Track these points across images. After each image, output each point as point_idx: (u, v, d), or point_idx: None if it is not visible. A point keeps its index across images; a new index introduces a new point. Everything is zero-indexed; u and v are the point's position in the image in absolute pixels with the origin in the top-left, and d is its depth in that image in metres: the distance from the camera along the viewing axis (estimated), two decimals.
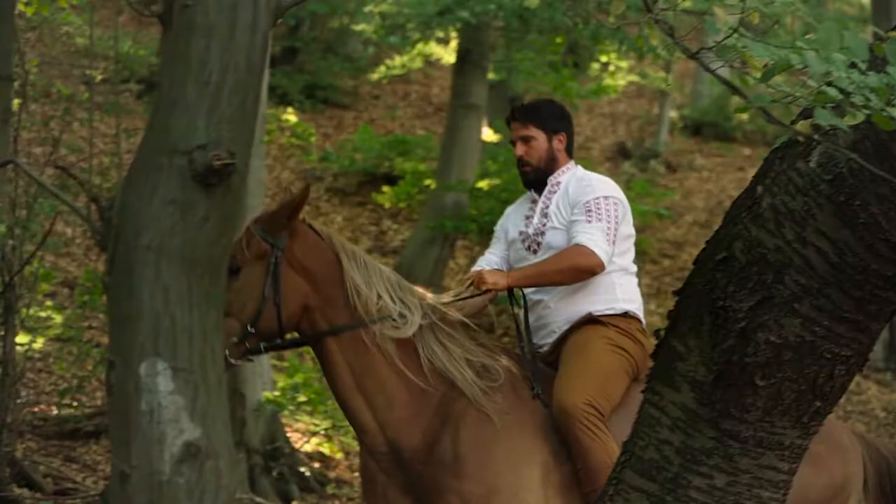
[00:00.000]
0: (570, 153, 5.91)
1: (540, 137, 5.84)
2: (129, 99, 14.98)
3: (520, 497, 5.37)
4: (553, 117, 5.87)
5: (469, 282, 5.57)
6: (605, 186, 5.69)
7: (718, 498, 3.55)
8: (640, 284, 5.79)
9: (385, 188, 16.42)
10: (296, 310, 5.23)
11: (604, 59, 16.88)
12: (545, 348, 5.73)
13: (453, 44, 16.14)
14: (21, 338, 9.37)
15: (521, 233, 5.88)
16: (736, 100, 4.76)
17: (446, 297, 5.64)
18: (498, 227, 6.05)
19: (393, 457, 5.50)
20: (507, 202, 6.62)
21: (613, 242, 5.53)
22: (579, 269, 5.47)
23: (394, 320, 5.33)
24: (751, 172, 4.30)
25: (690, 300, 3.55)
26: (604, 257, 5.47)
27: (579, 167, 5.90)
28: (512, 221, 6.00)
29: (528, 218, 5.88)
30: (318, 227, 5.48)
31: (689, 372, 3.53)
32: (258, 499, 9.66)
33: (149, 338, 3.75)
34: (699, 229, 17.04)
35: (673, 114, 21.00)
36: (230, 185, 3.76)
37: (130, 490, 3.79)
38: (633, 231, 5.79)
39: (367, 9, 16.23)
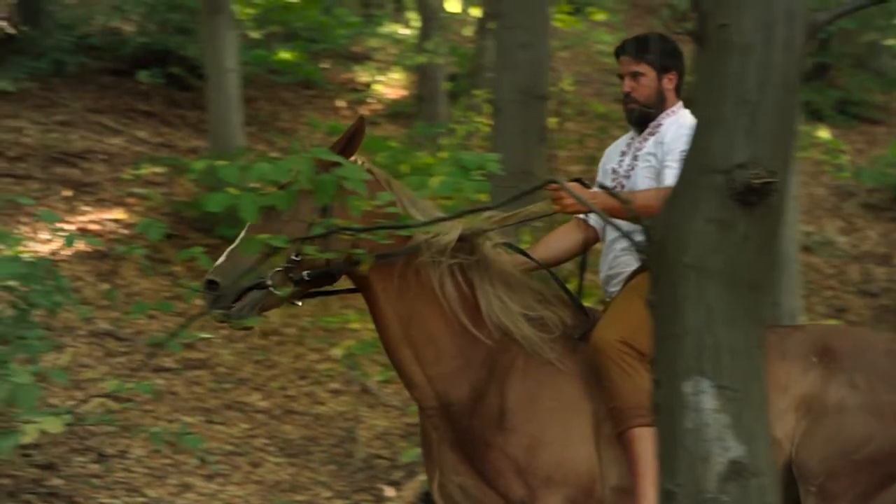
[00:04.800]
0: (678, 93, 5.64)
1: (650, 75, 5.60)
2: None
3: (571, 449, 5.24)
4: (665, 54, 5.63)
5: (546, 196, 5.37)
6: None
7: None
8: None
9: None
10: (342, 246, 5.23)
11: None
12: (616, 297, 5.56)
13: None
14: None
15: (612, 170, 5.67)
16: None
17: (513, 217, 5.51)
18: (599, 166, 5.87)
19: (441, 411, 5.40)
20: None
21: None
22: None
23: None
24: None
25: None
26: None
27: (685, 111, 5.59)
28: (608, 157, 5.79)
29: (622, 154, 5.67)
30: (374, 168, 5.44)
31: None
32: None
33: (693, 356, 3.91)
34: None
35: None
36: (770, 204, 3.86)
37: None
38: None
39: None
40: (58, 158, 14.11)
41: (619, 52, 5.76)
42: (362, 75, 18.64)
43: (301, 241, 5.17)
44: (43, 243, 10.89)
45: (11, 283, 5.56)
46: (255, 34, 17.29)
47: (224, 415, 10.24)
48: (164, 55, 15.96)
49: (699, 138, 3.94)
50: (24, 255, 5.89)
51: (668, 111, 5.67)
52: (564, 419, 5.32)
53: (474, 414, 5.35)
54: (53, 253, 9.79)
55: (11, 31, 16.04)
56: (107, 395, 5.35)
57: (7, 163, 13.77)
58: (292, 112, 16.61)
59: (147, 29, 16.52)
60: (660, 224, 3.96)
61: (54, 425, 4.74)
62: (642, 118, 5.69)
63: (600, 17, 17.31)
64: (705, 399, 3.90)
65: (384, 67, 18.87)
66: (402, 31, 19.51)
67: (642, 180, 5.56)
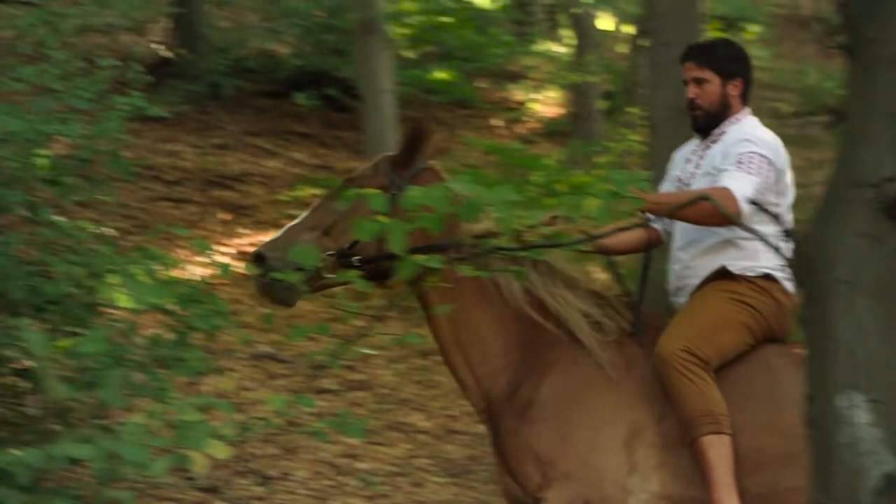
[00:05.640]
0: (745, 100, 5.63)
1: (714, 81, 5.61)
2: (817, 130, 15.19)
3: (597, 454, 5.24)
4: (730, 60, 5.66)
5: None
6: (764, 145, 5.41)
7: None
8: None
9: None
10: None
11: None
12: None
13: None
14: None
15: (677, 177, 5.64)
16: None
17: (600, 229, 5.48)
18: (667, 171, 5.88)
19: (488, 411, 5.45)
20: None
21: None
22: (715, 211, 5.13)
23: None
24: None
25: None
26: (746, 209, 5.20)
27: (750, 118, 5.63)
28: (675, 163, 5.78)
29: (687, 161, 5.67)
30: (443, 173, 5.48)
31: None
32: None
33: (845, 371, 3.97)
34: None
35: None
36: None
37: None
38: (785, 201, 5.53)
39: None
40: (215, 181, 14.48)
41: (684, 58, 5.82)
42: (517, 94, 18.80)
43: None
44: (201, 266, 11.19)
45: (170, 306, 5.76)
46: (409, 54, 17.51)
47: (386, 435, 10.41)
48: (320, 77, 16.26)
49: (848, 151, 4.01)
50: (182, 278, 6.10)
51: (733, 118, 5.73)
52: (598, 425, 5.35)
53: (507, 408, 5.43)
54: (211, 276, 10.04)
55: (168, 54, 16.48)
56: (269, 415, 5.52)
57: (165, 186, 14.16)
58: (448, 131, 16.80)
59: (302, 51, 16.86)
60: (808, 239, 4.04)
61: (221, 451, 4.91)
62: (706, 125, 5.75)
63: (752, 32, 17.26)
64: (859, 413, 3.95)
65: (539, 86, 19.01)
66: (557, 49, 19.64)
67: (701, 185, 5.60)
